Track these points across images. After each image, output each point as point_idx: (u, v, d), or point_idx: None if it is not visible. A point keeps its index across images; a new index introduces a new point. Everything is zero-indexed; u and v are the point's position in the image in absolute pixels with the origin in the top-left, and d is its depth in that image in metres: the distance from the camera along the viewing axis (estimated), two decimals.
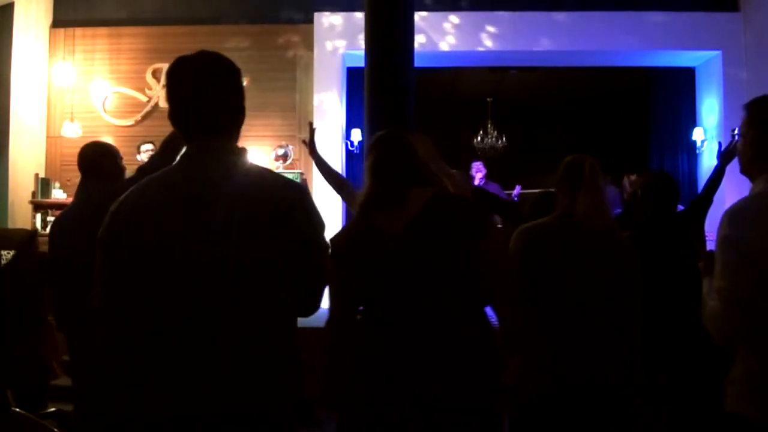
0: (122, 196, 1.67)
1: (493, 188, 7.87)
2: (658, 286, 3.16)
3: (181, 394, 1.55)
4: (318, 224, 1.67)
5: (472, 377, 1.97)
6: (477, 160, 8.15)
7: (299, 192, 1.68)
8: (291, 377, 1.63)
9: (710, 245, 3.58)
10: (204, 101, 1.66)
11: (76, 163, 3.24)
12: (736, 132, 2.11)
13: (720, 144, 3.92)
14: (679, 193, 3.48)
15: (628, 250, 2.50)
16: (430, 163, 2.94)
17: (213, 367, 1.54)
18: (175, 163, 1.71)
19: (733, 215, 1.88)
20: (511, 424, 2.49)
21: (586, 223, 2.43)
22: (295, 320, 1.68)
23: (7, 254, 5.38)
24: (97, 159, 3.20)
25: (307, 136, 3.64)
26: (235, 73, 1.71)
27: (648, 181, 3.51)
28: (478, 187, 3.47)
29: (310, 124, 3.76)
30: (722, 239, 1.85)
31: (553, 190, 3.26)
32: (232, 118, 1.71)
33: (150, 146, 6.94)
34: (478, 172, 7.86)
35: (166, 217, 1.59)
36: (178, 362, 1.56)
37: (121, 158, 3.31)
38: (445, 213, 2.04)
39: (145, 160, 5.94)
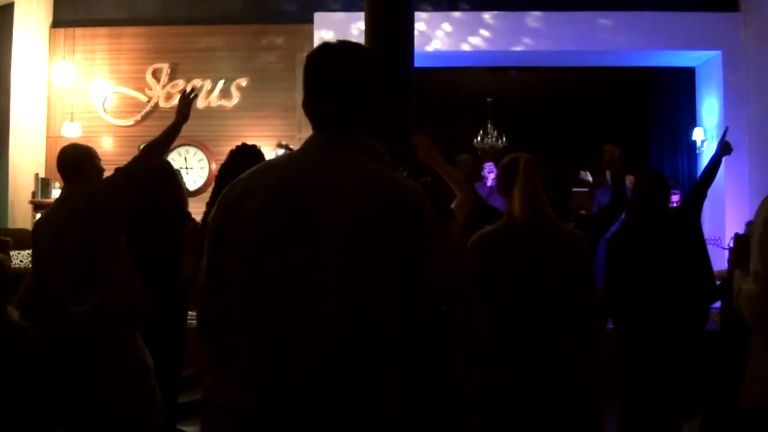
0: (237, 179, 1.62)
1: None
2: (649, 285, 3.18)
3: (265, 392, 1.48)
4: (428, 230, 1.56)
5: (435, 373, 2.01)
6: (488, 161, 8.17)
7: (419, 197, 1.56)
8: (394, 392, 1.51)
9: (709, 247, 3.60)
10: (337, 95, 1.59)
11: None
12: None
13: (722, 135, 3.91)
14: (670, 192, 3.49)
15: (573, 244, 2.51)
16: (432, 164, 2.95)
17: (299, 369, 1.46)
18: (299, 149, 1.64)
19: None
20: (481, 426, 2.51)
21: (527, 223, 2.45)
22: (406, 328, 1.53)
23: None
24: (74, 161, 3.23)
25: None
26: (376, 70, 1.64)
27: (638, 181, 3.51)
28: (479, 202, 3.42)
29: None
30: (762, 222, 1.85)
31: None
32: (365, 116, 1.62)
33: (194, 150, 6.95)
34: (491, 173, 7.87)
35: (270, 203, 1.53)
36: (267, 358, 1.49)
37: (99, 159, 3.34)
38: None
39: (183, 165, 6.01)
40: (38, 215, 7.41)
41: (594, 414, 2.49)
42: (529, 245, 2.46)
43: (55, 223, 3.09)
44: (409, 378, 1.53)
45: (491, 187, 7.96)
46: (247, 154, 2.95)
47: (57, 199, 3.33)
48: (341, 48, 1.61)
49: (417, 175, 2.85)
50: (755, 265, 1.84)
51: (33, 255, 3.24)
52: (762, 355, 1.85)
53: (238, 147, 3.03)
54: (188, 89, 3.27)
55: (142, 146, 3.35)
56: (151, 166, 3.21)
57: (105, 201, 3.05)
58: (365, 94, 1.61)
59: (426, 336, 1.56)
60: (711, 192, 3.69)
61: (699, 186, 3.69)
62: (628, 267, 3.28)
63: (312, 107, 1.62)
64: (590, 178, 7.49)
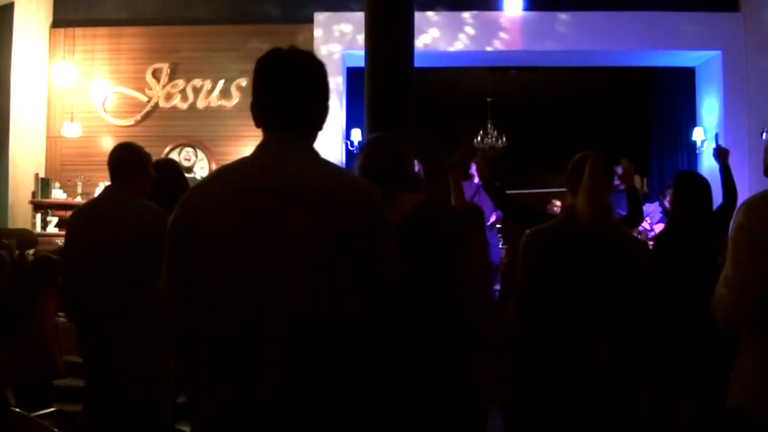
0: (196, 183, 1.68)
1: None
2: (686, 291, 3.14)
3: (232, 390, 1.52)
4: (386, 227, 1.65)
5: (453, 380, 2.02)
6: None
7: (375, 193, 1.65)
8: (356, 383, 1.58)
9: None
10: (290, 97, 1.66)
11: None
12: (765, 132, 2.11)
13: (716, 144, 3.93)
14: (711, 193, 3.42)
15: (633, 249, 2.47)
16: (452, 176, 3.01)
17: (265, 365, 1.51)
18: (252, 153, 1.69)
19: (750, 206, 1.88)
20: (517, 428, 2.49)
21: (588, 224, 2.39)
22: (366, 323, 1.62)
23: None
24: (131, 162, 3.10)
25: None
26: (324, 75, 1.71)
27: (678, 185, 3.46)
28: (489, 182, 3.40)
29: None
30: (735, 228, 1.86)
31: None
32: (315, 117, 1.70)
33: (191, 151, 6.97)
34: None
35: (230, 206, 1.57)
36: (231, 356, 1.53)
37: (152, 164, 3.22)
38: (428, 222, 2.07)
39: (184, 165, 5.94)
40: (38, 215, 7.42)
41: (641, 419, 2.45)
42: (590, 247, 2.40)
43: (98, 223, 3.00)
44: (369, 369, 1.60)
45: (478, 185, 7.96)
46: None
47: (101, 198, 3.21)
48: (292, 54, 1.68)
49: None
50: (726, 269, 1.85)
51: (68, 249, 3.15)
52: (746, 357, 1.86)
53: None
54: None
55: None
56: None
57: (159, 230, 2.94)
58: (315, 97, 1.68)
59: (385, 327, 1.64)
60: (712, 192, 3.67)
61: (725, 202, 3.65)
62: (670, 272, 3.23)
63: (264, 109, 1.68)
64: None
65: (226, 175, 1.66)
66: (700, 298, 3.07)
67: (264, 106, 1.68)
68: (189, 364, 1.62)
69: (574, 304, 2.37)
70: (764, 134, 2.23)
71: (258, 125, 1.69)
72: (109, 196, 3.10)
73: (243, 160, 1.68)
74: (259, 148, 1.67)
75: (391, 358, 1.97)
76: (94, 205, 3.18)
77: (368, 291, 1.59)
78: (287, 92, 1.66)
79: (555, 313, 2.38)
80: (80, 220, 3.08)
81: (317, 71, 1.69)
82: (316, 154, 1.67)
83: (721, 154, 3.83)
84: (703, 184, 3.42)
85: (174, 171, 3.51)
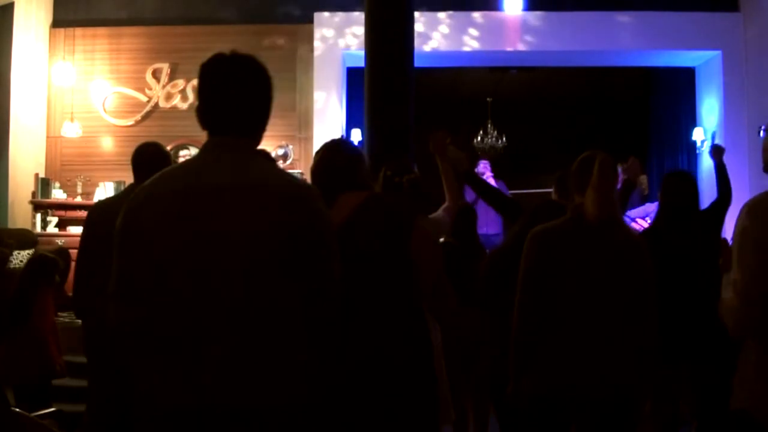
0: (140, 186, 1.72)
1: (499, 187, 7.90)
2: (677, 286, 3.15)
3: (180, 385, 1.58)
4: (327, 226, 1.71)
5: (406, 373, 2.04)
6: (483, 159, 8.19)
7: (312, 192, 1.71)
8: (294, 375, 1.63)
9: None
10: (232, 100, 1.71)
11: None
12: (762, 129, 2.10)
13: (712, 142, 3.96)
14: (698, 190, 3.44)
15: (638, 248, 2.47)
16: (438, 158, 3.03)
17: (210, 359, 1.57)
18: (197, 154, 1.75)
19: (752, 207, 1.87)
20: (519, 426, 2.49)
21: (596, 223, 2.40)
22: (309, 319, 1.66)
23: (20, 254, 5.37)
24: (155, 161, 3.11)
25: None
26: (265, 78, 1.76)
27: (665, 182, 3.49)
28: (469, 172, 3.42)
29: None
30: (740, 231, 1.85)
31: (553, 197, 3.27)
32: (256, 120, 1.75)
33: (188, 152, 6.88)
34: (485, 170, 7.89)
35: (174, 207, 1.62)
36: (178, 353, 1.59)
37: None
38: (373, 215, 2.11)
39: None
40: (38, 215, 7.42)
41: (632, 422, 2.45)
42: (599, 246, 2.41)
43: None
44: (312, 363, 1.65)
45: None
46: None
47: (122, 195, 3.17)
48: (234, 58, 1.74)
49: (401, 172, 2.89)
50: (734, 274, 1.84)
51: (85, 245, 3.12)
52: (751, 360, 1.86)
53: None
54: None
55: None
56: None
57: None
58: (255, 101, 1.73)
59: (327, 323, 1.69)
60: (711, 192, 3.69)
61: (719, 197, 3.69)
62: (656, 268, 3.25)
63: (206, 113, 1.73)
64: None
65: (169, 177, 1.71)
66: (687, 293, 3.10)
67: (206, 110, 1.73)
68: (136, 363, 1.66)
69: (580, 303, 2.38)
70: (761, 132, 2.22)
71: (203, 128, 1.74)
72: (128, 192, 3.09)
73: (186, 162, 1.75)
74: (202, 151, 1.73)
75: (343, 350, 1.98)
76: (114, 201, 3.16)
77: (310, 286, 1.64)
78: (227, 96, 1.71)
79: (559, 311, 2.38)
80: (101, 217, 3.04)
81: (258, 75, 1.74)
82: (256, 155, 1.72)
83: (717, 151, 3.88)
84: (690, 182, 3.44)
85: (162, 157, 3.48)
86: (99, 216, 3.06)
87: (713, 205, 3.69)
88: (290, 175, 1.75)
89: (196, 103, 1.78)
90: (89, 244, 3.05)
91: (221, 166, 1.65)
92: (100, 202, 3.18)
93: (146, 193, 1.68)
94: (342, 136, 7.83)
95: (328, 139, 2.40)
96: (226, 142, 1.70)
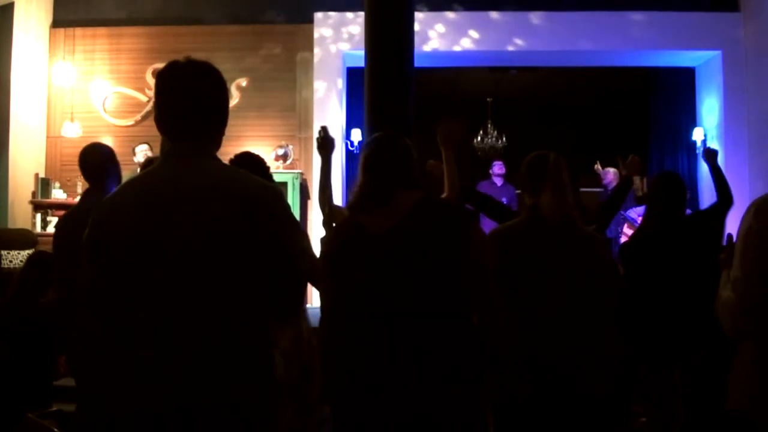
0: (106, 196, 1.77)
1: (511, 191, 7.94)
2: (668, 288, 3.16)
3: (148, 389, 1.60)
4: (290, 226, 1.73)
5: (455, 377, 1.98)
6: (498, 160, 8.34)
7: (272, 193, 1.73)
8: (258, 376, 1.66)
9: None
10: (188, 107, 1.73)
11: (76, 163, 3.21)
12: None
13: (704, 146, 3.93)
14: (686, 190, 3.46)
15: (597, 246, 2.48)
16: (444, 150, 2.98)
17: (178, 362, 1.60)
18: (158, 162, 1.78)
19: (759, 207, 1.86)
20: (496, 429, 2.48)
21: (554, 221, 2.40)
22: (271, 319, 1.72)
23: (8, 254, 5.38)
24: (106, 165, 3.14)
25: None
26: (220, 83, 1.78)
27: (654, 182, 3.50)
28: (468, 188, 3.41)
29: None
30: (745, 230, 1.84)
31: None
32: (214, 125, 1.77)
33: (145, 147, 6.82)
34: (501, 171, 8.05)
35: (137, 216, 1.65)
36: (142, 357, 1.62)
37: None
38: (429, 218, 2.04)
39: (141, 161, 5.85)
40: (38, 215, 7.42)
41: (612, 415, 2.45)
42: (554, 246, 2.41)
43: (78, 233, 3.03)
44: (271, 364, 1.69)
45: (499, 187, 8.05)
46: (247, 161, 2.89)
47: (81, 206, 3.17)
48: (187, 65, 1.75)
49: None
50: (735, 273, 1.83)
51: (57, 263, 3.16)
52: (746, 361, 1.85)
53: (237, 155, 2.92)
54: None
55: None
56: None
57: None
58: (209, 106, 1.75)
59: (291, 324, 1.69)
60: (711, 192, 3.69)
61: (719, 199, 3.67)
62: (643, 270, 3.25)
63: (166, 120, 1.75)
64: (601, 173, 7.53)
65: (132, 185, 1.75)
66: (678, 295, 3.10)
67: (162, 117, 1.75)
68: (101, 369, 1.70)
69: (540, 304, 2.37)
70: None
71: (161, 135, 1.77)
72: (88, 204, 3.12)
73: (148, 170, 1.77)
74: (162, 158, 1.76)
75: (377, 347, 1.97)
76: (75, 210, 3.17)
77: (273, 288, 1.68)
78: (181, 103, 1.73)
79: (521, 312, 2.36)
80: (67, 228, 3.09)
81: (212, 81, 1.76)
82: (214, 159, 1.75)
83: (709, 154, 3.84)
84: (677, 183, 3.44)
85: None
86: (66, 225, 3.11)
87: (712, 207, 3.69)
88: (250, 178, 1.76)
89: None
90: (60, 255, 3.08)
91: (181, 173, 1.68)
92: (66, 214, 3.21)
93: (110, 204, 1.71)
94: (343, 136, 7.83)
95: (378, 133, 2.26)
96: (183, 149, 1.72)
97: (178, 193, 1.65)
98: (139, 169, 3.39)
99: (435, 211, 2.07)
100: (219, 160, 1.77)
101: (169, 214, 1.63)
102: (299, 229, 1.77)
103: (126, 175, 3.47)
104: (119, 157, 3.30)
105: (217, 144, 1.79)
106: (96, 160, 3.17)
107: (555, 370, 2.34)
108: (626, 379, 3.14)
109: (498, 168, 8.28)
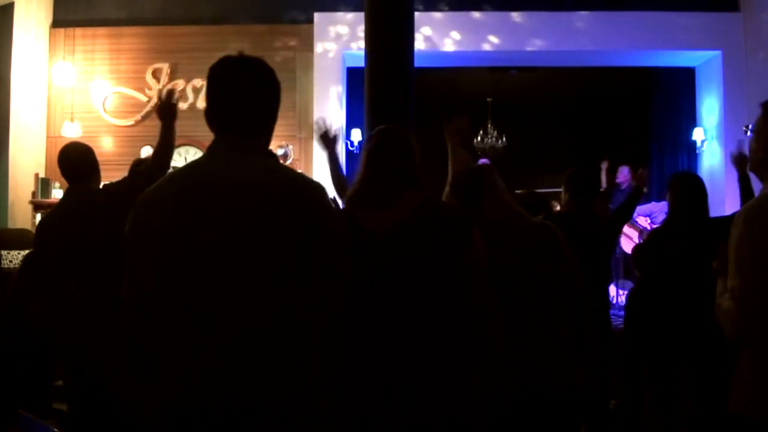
0: (146, 189, 1.73)
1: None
2: (678, 288, 3.15)
3: (190, 386, 1.58)
4: (333, 225, 1.69)
5: (450, 379, 1.95)
6: (483, 157, 8.23)
7: (318, 191, 1.69)
8: (294, 376, 1.62)
9: None
10: (239, 100, 1.72)
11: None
12: (749, 128, 2.10)
13: (735, 150, 3.81)
14: (705, 191, 3.44)
15: (547, 234, 2.47)
16: (450, 144, 3.05)
17: (218, 359, 1.57)
18: (204, 154, 1.75)
19: (749, 214, 1.86)
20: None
21: (498, 223, 2.42)
22: (313, 320, 1.65)
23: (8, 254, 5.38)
24: (83, 161, 3.21)
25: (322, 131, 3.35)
26: (272, 79, 1.77)
27: (674, 183, 3.49)
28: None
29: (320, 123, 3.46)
30: (737, 238, 1.84)
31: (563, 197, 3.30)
32: (264, 120, 1.76)
33: (151, 149, 6.85)
34: None
35: (178, 208, 1.63)
36: (189, 354, 1.59)
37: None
38: (430, 221, 2.00)
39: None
40: (38, 215, 7.42)
41: (592, 416, 2.46)
42: (506, 243, 2.41)
43: (72, 225, 3.04)
44: (312, 365, 1.65)
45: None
46: None
47: (64, 201, 3.25)
48: (240, 60, 1.76)
49: None
50: (732, 281, 1.83)
51: (37, 258, 3.20)
52: (747, 364, 1.85)
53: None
54: (164, 92, 3.22)
55: (152, 152, 3.29)
56: (165, 169, 3.18)
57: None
58: (261, 101, 1.75)
59: (331, 324, 1.67)
60: (711, 193, 3.68)
61: (742, 199, 3.66)
62: (658, 269, 3.25)
63: (213, 113, 1.74)
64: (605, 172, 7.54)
65: (175, 178, 1.72)
66: (693, 294, 3.10)
67: (213, 110, 1.74)
68: (141, 364, 1.67)
69: (507, 305, 2.37)
70: (749, 131, 2.21)
71: (211, 130, 1.76)
72: (76, 197, 3.20)
73: (192, 163, 1.75)
74: (208, 150, 1.74)
75: (373, 347, 1.95)
76: (58, 209, 3.24)
77: (316, 287, 1.64)
78: (234, 97, 1.73)
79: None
80: (51, 227, 3.18)
81: (265, 76, 1.76)
82: (263, 155, 1.73)
83: (739, 161, 3.72)
84: (698, 182, 3.45)
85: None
86: (47, 228, 3.15)
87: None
88: (297, 174, 1.74)
89: (203, 104, 1.80)
90: (46, 255, 3.11)
91: (227, 166, 1.66)
92: (46, 216, 3.24)
93: (152, 195, 1.69)
94: (343, 136, 7.83)
95: (382, 127, 2.21)
96: (232, 142, 1.71)
97: (222, 186, 1.62)
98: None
99: (436, 214, 2.03)
100: (266, 156, 1.74)
101: (211, 207, 1.60)
102: (343, 229, 1.74)
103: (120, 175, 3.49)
104: (120, 158, 3.34)
105: (267, 140, 1.77)
106: (80, 158, 3.20)
107: (530, 372, 2.34)
108: (605, 375, 3.14)
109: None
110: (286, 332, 1.61)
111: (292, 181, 1.68)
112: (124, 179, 3.28)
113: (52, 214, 3.22)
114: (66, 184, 3.31)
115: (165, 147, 3.12)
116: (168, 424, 1.60)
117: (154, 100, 7.80)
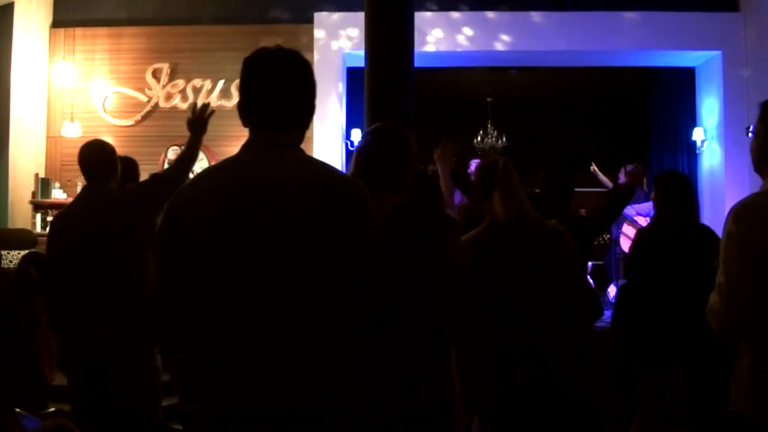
0: (181, 186, 1.70)
1: None
2: (671, 286, 3.16)
3: (225, 388, 1.54)
4: (372, 221, 1.66)
5: (425, 375, 1.99)
6: (476, 158, 8.19)
7: (357, 188, 1.66)
8: (345, 377, 1.59)
9: None
10: (275, 95, 1.67)
11: (76, 162, 3.22)
12: (750, 130, 2.11)
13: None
14: (690, 189, 3.47)
15: (556, 237, 2.49)
16: (440, 165, 3.09)
17: (256, 361, 1.53)
18: (241, 150, 1.70)
19: (738, 211, 1.88)
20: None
21: (506, 222, 2.44)
22: (355, 316, 1.63)
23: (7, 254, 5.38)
24: (104, 159, 3.18)
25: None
26: (309, 74, 1.72)
27: (661, 181, 3.50)
28: (457, 173, 3.51)
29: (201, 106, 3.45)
30: (726, 235, 1.86)
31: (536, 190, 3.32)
32: (300, 115, 1.72)
33: (177, 149, 6.86)
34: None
35: (215, 205, 1.58)
36: (223, 354, 1.54)
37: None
38: (407, 222, 2.02)
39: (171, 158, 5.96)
40: (38, 215, 7.42)
41: (592, 414, 2.47)
42: (515, 245, 2.44)
43: (85, 222, 3.04)
44: (359, 362, 1.62)
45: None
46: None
47: (79, 199, 3.22)
48: (279, 53, 1.69)
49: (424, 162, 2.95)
50: (719, 278, 1.85)
51: (52, 261, 3.17)
52: (744, 364, 1.86)
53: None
54: (199, 105, 3.29)
55: (175, 159, 3.35)
56: (185, 177, 3.17)
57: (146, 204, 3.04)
58: (299, 96, 1.69)
59: (366, 324, 1.65)
60: (711, 193, 3.69)
61: None
62: (649, 268, 3.26)
63: (249, 108, 1.69)
64: (599, 174, 7.53)
65: (211, 175, 1.68)
66: (683, 292, 3.10)
67: (249, 105, 1.70)
68: (180, 365, 1.63)
69: (509, 304, 2.40)
70: (749, 133, 2.22)
71: (244, 124, 1.71)
72: (91, 200, 3.15)
73: (228, 160, 1.70)
74: (244, 147, 1.69)
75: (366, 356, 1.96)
76: (72, 208, 3.20)
77: (357, 285, 1.60)
78: (271, 91, 1.67)
79: (496, 315, 2.39)
80: (63, 225, 3.14)
81: (302, 70, 1.70)
82: (300, 151, 1.69)
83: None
84: (681, 180, 3.47)
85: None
86: (61, 225, 3.12)
87: None
88: (335, 171, 1.71)
89: (236, 99, 1.74)
90: (57, 255, 3.09)
91: (264, 163, 1.62)
92: (61, 212, 3.23)
93: (188, 192, 1.65)
94: (343, 136, 7.83)
95: (381, 123, 2.22)
96: (268, 138, 1.66)
97: (258, 182, 1.58)
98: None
99: (415, 216, 2.04)
100: (302, 151, 1.69)
101: (247, 203, 1.56)
102: (380, 224, 1.69)
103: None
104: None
105: (301, 135, 1.73)
106: (97, 157, 3.18)
107: (530, 369, 2.35)
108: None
109: (475, 166, 8.17)
110: (329, 331, 1.56)
111: (330, 178, 1.64)
112: (145, 181, 3.32)
113: (66, 211, 3.20)
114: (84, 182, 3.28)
115: (192, 156, 3.23)
116: (214, 426, 1.55)
117: (154, 100, 7.81)
